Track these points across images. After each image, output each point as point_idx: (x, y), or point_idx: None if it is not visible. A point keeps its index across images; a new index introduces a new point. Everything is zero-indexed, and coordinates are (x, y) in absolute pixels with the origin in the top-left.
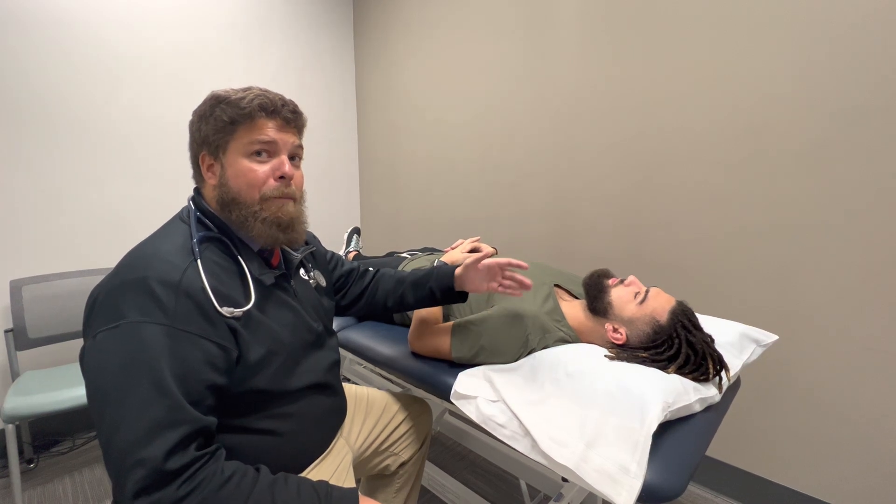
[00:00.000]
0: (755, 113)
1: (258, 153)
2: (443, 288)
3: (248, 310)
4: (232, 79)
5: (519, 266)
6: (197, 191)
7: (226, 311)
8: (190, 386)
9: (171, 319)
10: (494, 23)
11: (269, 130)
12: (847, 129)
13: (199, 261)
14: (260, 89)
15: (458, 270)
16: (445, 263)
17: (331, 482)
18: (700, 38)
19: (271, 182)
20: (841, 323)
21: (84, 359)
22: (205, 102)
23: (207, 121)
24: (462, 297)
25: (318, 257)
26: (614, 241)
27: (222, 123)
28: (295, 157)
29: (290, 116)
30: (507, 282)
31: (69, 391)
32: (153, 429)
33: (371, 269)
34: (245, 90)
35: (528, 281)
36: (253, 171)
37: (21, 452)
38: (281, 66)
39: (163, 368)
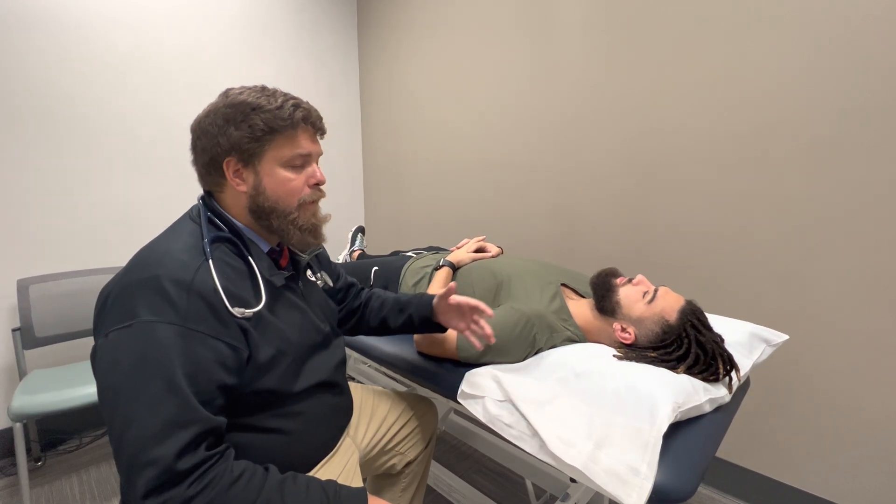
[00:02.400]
0: (761, 111)
1: (296, 163)
2: (421, 317)
3: (259, 310)
4: (235, 77)
5: (485, 312)
6: (209, 193)
7: (237, 311)
8: (201, 385)
9: (183, 319)
10: (498, 23)
11: (306, 142)
12: (854, 127)
13: (210, 261)
14: (293, 97)
15: (435, 299)
16: (450, 262)
17: (338, 481)
18: (703, 37)
19: (307, 189)
20: (849, 322)
21: (96, 357)
22: (232, 106)
23: (240, 127)
24: (440, 328)
25: (323, 260)
26: (620, 241)
27: (260, 132)
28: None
29: (320, 126)
30: (474, 327)
31: (76, 390)
32: (164, 428)
33: (365, 288)
34: (272, 95)
35: (490, 331)
36: (292, 181)
37: (28, 451)
38: (284, 66)
39: (174, 368)
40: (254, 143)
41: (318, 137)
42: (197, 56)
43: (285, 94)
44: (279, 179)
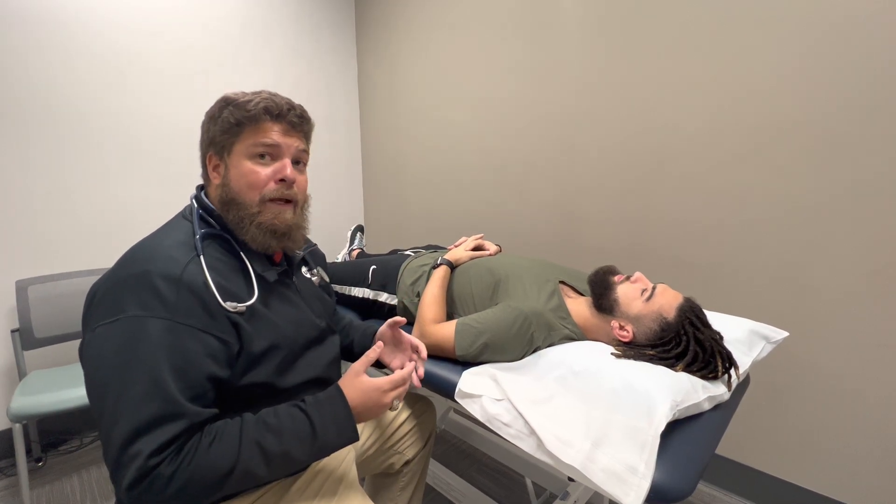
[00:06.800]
0: (760, 108)
1: (261, 156)
2: (362, 346)
3: (252, 304)
4: (234, 79)
5: (421, 353)
6: (202, 189)
7: (229, 305)
8: (191, 379)
9: (172, 313)
10: (497, 21)
11: (273, 134)
12: (854, 123)
13: (201, 256)
14: (269, 93)
15: (378, 331)
16: (448, 261)
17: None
18: (702, 33)
19: (272, 185)
20: (850, 318)
21: (83, 352)
22: (216, 104)
23: (216, 122)
24: (378, 365)
25: (318, 258)
26: (619, 238)
27: (228, 125)
28: (299, 161)
29: (295, 121)
30: (412, 364)
31: (76, 390)
32: (152, 423)
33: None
34: (255, 94)
35: (419, 378)
36: (255, 173)
37: (29, 451)
38: (282, 66)
39: (162, 363)
40: (225, 136)
41: (298, 133)
42: (196, 58)
43: (271, 93)
44: (243, 171)
